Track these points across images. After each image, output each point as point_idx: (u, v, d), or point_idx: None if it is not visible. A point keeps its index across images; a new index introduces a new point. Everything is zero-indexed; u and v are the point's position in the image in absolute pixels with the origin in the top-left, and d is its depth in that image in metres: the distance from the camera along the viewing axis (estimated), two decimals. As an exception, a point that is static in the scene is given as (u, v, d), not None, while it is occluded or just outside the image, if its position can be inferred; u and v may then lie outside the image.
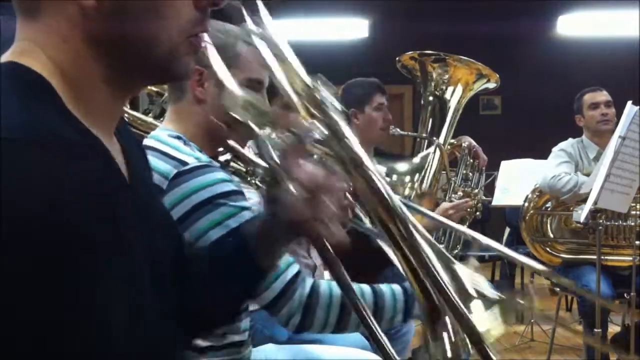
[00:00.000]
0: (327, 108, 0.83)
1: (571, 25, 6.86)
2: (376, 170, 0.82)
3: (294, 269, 1.39)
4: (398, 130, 3.11)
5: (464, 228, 1.63)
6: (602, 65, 3.83)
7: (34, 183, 0.63)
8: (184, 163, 1.38)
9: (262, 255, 0.97)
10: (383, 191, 0.80)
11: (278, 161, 0.87)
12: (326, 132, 0.83)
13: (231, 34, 1.48)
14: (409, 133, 3.81)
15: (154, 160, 1.42)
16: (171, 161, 1.40)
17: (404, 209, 0.80)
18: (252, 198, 1.71)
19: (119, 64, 0.78)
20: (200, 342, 1.43)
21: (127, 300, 0.72)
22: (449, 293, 0.72)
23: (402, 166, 3.09)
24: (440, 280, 0.73)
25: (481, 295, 0.73)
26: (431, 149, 3.07)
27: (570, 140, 3.72)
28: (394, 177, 3.02)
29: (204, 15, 0.82)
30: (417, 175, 3.05)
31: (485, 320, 0.71)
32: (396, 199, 0.80)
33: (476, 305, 0.72)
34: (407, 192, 3.01)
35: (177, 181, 1.37)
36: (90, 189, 0.68)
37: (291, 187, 0.85)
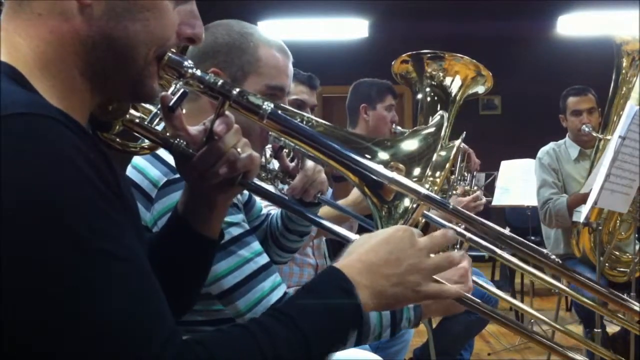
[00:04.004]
0: (181, 68, 0.91)
1: (571, 25, 6.86)
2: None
3: (279, 292, 1.37)
4: (400, 128, 3.15)
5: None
6: (602, 65, 3.81)
7: (60, 151, 0.68)
8: (175, 170, 1.34)
9: (198, 220, 1.01)
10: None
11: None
12: (188, 82, 0.92)
13: (253, 36, 1.44)
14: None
15: (144, 164, 1.41)
16: (161, 166, 1.38)
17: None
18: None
19: (98, 63, 0.81)
20: None
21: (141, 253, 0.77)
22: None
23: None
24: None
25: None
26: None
27: (550, 144, 3.74)
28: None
29: (179, 42, 0.89)
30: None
31: None
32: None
33: None
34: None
35: (166, 190, 1.36)
36: (98, 158, 0.73)
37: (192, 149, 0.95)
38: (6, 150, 0.66)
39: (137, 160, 1.43)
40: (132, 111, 0.99)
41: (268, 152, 1.55)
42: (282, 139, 1.22)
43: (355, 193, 2.27)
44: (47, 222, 0.66)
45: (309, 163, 1.52)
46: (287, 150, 1.55)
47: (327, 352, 0.82)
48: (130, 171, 1.43)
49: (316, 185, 1.56)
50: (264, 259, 1.38)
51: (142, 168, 1.40)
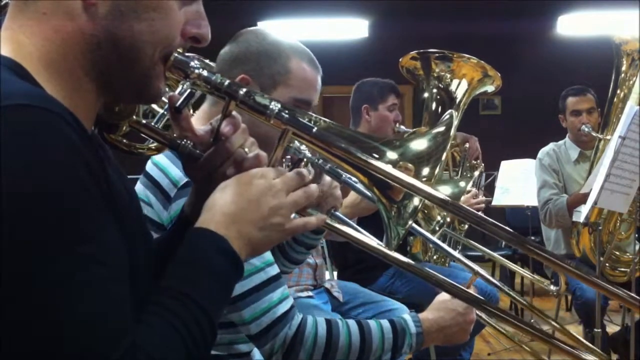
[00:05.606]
0: (187, 68, 0.89)
1: (571, 25, 6.85)
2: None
3: (287, 304, 1.36)
4: (403, 127, 3.16)
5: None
6: (601, 65, 3.81)
7: (55, 150, 0.68)
8: None
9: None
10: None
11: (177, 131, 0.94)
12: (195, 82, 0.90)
13: (285, 47, 1.44)
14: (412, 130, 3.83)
15: (166, 162, 1.40)
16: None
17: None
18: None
19: (103, 63, 0.81)
20: None
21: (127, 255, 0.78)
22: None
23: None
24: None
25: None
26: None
27: (550, 145, 3.74)
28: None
29: (185, 44, 0.88)
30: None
31: None
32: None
33: None
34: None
35: (185, 191, 1.34)
36: (90, 153, 0.73)
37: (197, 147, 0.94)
38: (5, 147, 0.66)
39: (158, 158, 1.42)
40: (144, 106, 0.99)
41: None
42: (302, 152, 1.22)
43: (353, 195, 2.27)
44: (34, 222, 0.66)
45: (326, 178, 1.52)
46: (304, 163, 1.56)
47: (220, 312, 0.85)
48: (151, 168, 1.43)
49: (330, 201, 1.54)
50: (275, 269, 1.37)
51: (164, 167, 1.40)
